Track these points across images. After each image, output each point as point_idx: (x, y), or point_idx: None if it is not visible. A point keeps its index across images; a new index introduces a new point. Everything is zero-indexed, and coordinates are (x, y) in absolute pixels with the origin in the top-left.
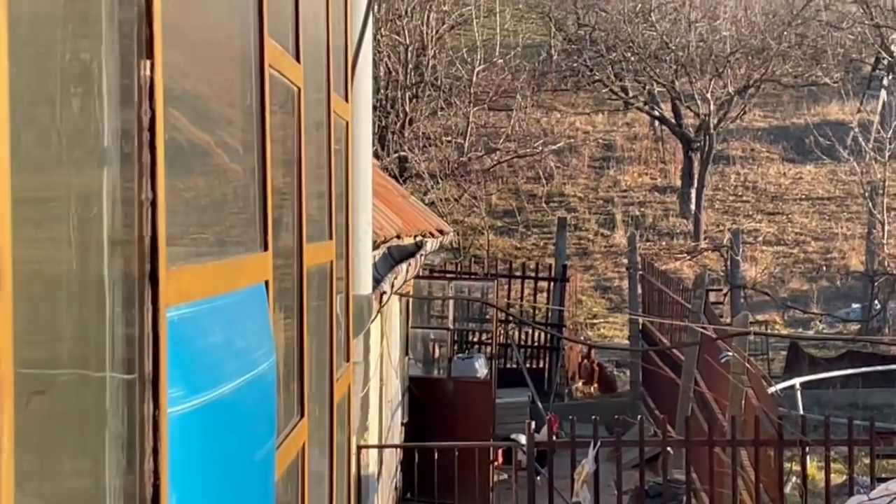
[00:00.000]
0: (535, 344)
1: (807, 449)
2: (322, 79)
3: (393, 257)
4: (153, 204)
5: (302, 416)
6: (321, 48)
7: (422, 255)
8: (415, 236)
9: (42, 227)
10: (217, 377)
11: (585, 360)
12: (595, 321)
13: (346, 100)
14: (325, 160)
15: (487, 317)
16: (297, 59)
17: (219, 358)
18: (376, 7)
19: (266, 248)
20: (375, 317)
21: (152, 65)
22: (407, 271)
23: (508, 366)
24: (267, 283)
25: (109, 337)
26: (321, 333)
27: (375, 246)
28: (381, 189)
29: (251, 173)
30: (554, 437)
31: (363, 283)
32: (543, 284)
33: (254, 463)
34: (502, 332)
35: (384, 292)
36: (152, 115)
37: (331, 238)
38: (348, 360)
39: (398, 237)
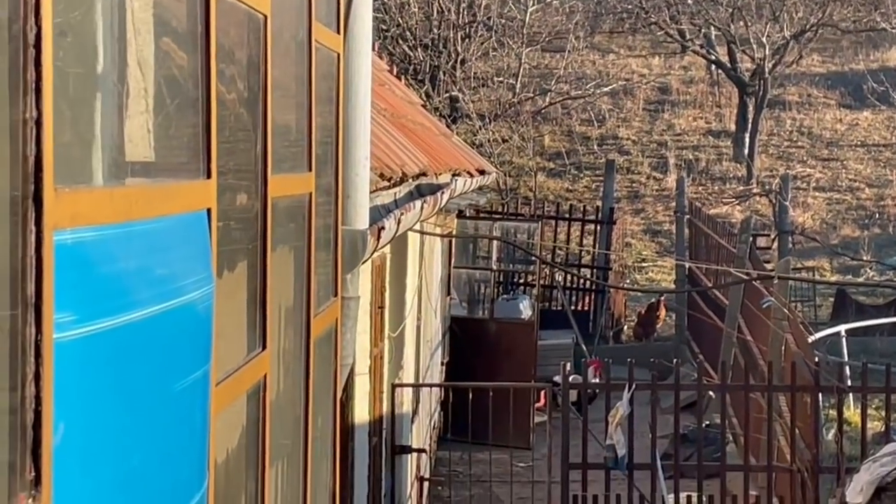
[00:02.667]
0: (581, 286)
1: (844, 396)
2: (301, 8)
3: (422, 195)
4: (38, 123)
5: (263, 348)
6: None
7: (443, 193)
8: (452, 173)
9: None
10: (123, 304)
11: (653, 312)
12: (643, 265)
13: (338, 31)
14: (303, 92)
15: (532, 258)
16: None
17: (128, 284)
18: None
19: (209, 176)
20: (372, 254)
21: None
22: (422, 209)
23: (553, 307)
24: (209, 210)
25: None
26: (297, 265)
27: (398, 182)
28: (416, 127)
29: (190, 99)
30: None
31: (358, 219)
32: (592, 227)
33: (174, 393)
34: (547, 273)
35: (382, 228)
36: (38, 31)
37: (310, 170)
38: (336, 295)
39: (424, 174)
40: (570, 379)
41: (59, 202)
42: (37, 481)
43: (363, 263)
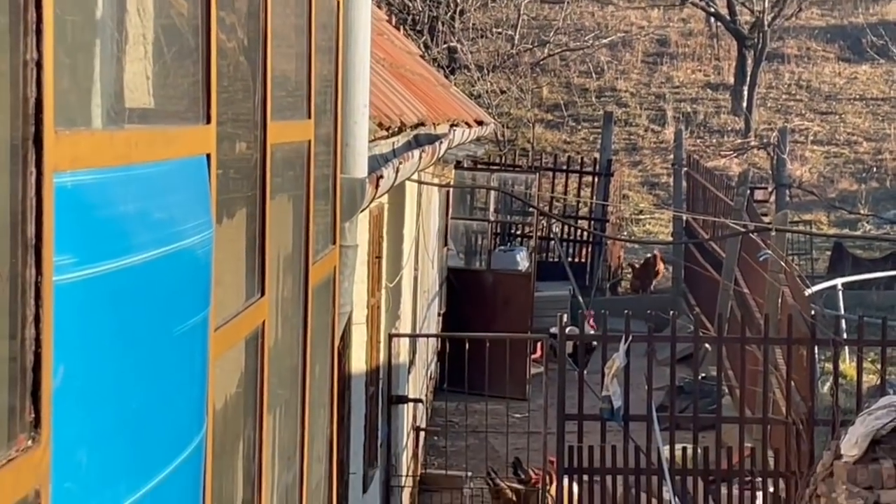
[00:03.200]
0: (578, 238)
1: (840, 349)
2: None
3: (420, 144)
4: (38, 65)
5: (262, 294)
6: None
7: (441, 143)
8: (450, 124)
9: None
10: (123, 247)
11: (650, 266)
12: (640, 217)
13: None
14: (303, 41)
15: (530, 209)
16: None
17: (127, 228)
18: None
19: (209, 121)
20: (370, 202)
21: None
22: (420, 158)
23: (550, 259)
24: (209, 156)
25: None
26: (295, 213)
27: (396, 132)
28: (415, 77)
29: (190, 46)
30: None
31: (357, 167)
32: (589, 179)
33: (173, 337)
34: (544, 225)
35: (381, 176)
36: None
37: (309, 118)
38: (334, 244)
39: (423, 124)
40: (567, 330)
41: (60, 144)
42: (36, 423)
43: (361, 212)
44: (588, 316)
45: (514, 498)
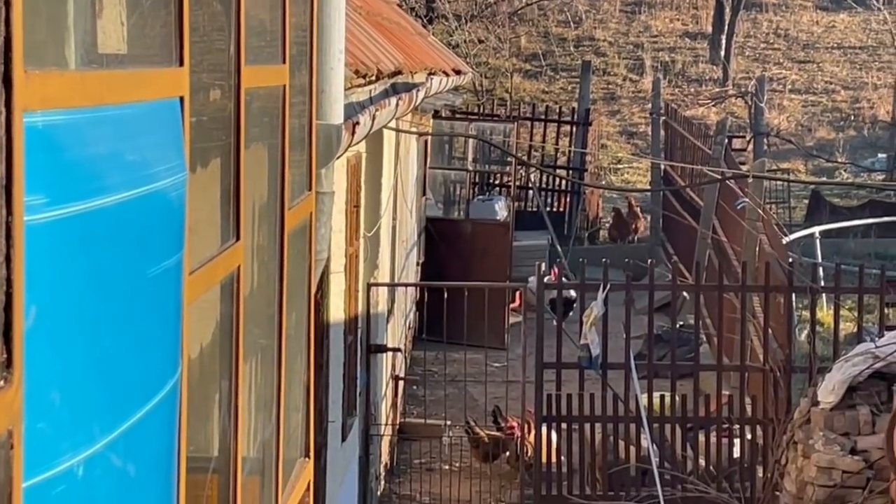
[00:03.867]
0: (556, 187)
1: (817, 296)
2: None
3: (397, 92)
4: (6, 2)
5: (237, 239)
6: None
7: (419, 91)
8: (428, 72)
9: None
10: (95, 188)
11: (631, 219)
12: (619, 166)
13: None
14: None
15: (508, 159)
16: None
17: (99, 169)
18: None
19: (181, 63)
20: (346, 149)
21: None
22: (397, 106)
23: (529, 209)
24: (182, 99)
25: None
26: (271, 158)
27: (373, 80)
28: (392, 26)
29: None
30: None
31: (333, 113)
32: (567, 128)
33: (146, 279)
34: (522, 174)
35: (357, 123)
36: None
37: (284, 62)
38: (310, 190)
39: (399, 73)
40: (545, 280)
41: (30, 84)
42: (8, 363)
43: (337, 159)
44: (557, 268)
45: (493, 446)
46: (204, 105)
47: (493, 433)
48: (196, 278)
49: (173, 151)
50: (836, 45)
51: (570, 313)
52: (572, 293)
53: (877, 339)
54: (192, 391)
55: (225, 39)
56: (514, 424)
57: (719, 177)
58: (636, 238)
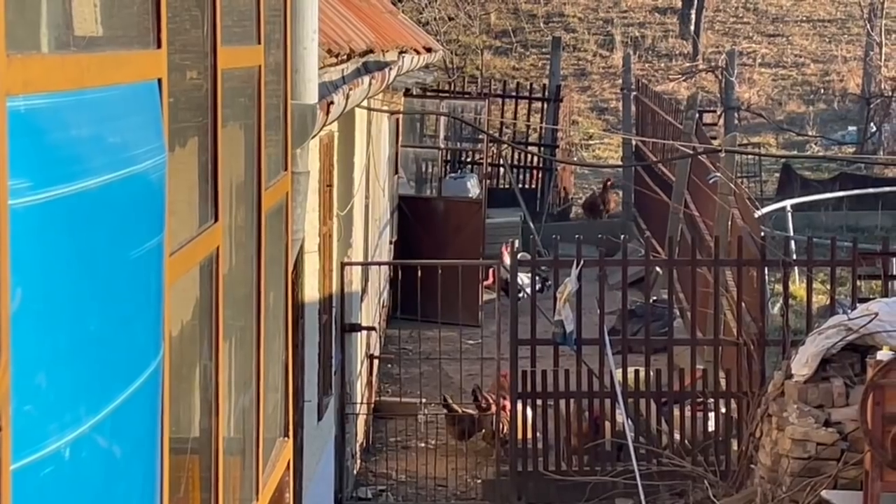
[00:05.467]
0: (528, 164)
1: (790, 270)
2: None
3: (369, 71)
4: None
5: (216, 220)
6: None
7: (391, 69)
8: (399, 50)
9: None
10: (77, 171)
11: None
12: (590, 142)
13: None
14: None
15: (480, 136)
16: None
17: (81, 152)
18: None
19: (159, 45)
20: (321, 129)
21: None
22: (370, 85)
23: (501, 186)
24: (160, 81)
25: None
26: (247, 138)
27: (345, 59)
28: (362, 4)
29: None
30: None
31: (307, 93)
32: (538, 105)
33: (128, 260)
34: (494, 151)
35: (331, 102)
36: None
37: (259, 43)
38: (286, 170)
39: (371, 51)
40: (519, 256)
41: (12, 68)
42: None
43: (313, 138)
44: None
45: (469, 423)
46: (181, 87)
47: (469, 410)
48: (176, 259)
49: (153, 133)
50: (805, 18)
51: (522, 295)
52: (524, 278)
53: (849, 311)
54: (173, 372)
55: (201, 20)
56: (491, 402)
57: (691, 152)
58: (608, 214)
